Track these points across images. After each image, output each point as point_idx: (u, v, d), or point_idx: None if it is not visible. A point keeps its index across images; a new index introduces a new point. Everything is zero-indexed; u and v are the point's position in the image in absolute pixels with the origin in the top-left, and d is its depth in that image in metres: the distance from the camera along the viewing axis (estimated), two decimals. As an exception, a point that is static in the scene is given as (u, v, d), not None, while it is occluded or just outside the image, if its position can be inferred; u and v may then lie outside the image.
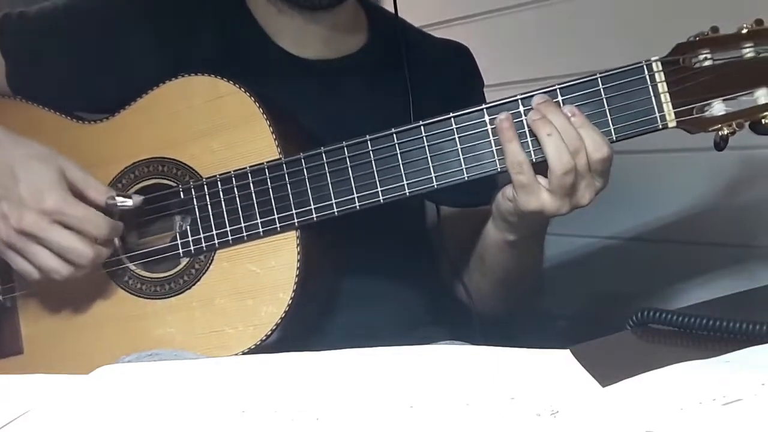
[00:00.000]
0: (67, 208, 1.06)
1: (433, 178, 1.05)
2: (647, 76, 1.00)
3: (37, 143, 1.10)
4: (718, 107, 0.99)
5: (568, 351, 0.80)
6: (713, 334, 0.84)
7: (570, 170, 0.99)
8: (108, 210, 1.10)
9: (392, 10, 1.31)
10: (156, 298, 1.14)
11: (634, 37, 1.57)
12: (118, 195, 1.10)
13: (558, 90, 1.02)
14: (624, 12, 1.61)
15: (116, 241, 1.13)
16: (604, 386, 0.71)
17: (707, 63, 0.99)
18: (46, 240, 1.06)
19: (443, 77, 1.34)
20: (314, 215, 1.08)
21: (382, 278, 1.26)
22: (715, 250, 1.53)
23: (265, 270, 1.10)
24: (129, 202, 1.11)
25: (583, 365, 0.76)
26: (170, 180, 1.15)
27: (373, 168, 1.06)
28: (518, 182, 1.02)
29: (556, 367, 0.77)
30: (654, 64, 1.00)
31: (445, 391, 0.73)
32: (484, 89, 1.42)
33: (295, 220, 1.08)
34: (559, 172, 0.99)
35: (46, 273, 1.08)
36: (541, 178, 1.02)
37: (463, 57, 1.42)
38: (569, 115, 1.00)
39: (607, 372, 0.73)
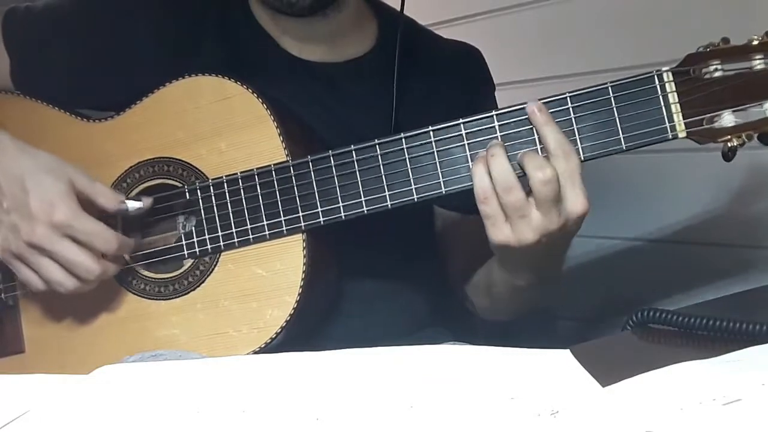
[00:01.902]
0: (77, 222, 1.06)
1: (442, 184, 1.04)
2: (658, 86, 0.99)
3: (45, 153, 1.10)
4: (727, 118, 0.98)
5: (568, 351, 0.80)
6: (713, 334, 0.84)
7: (513, 188, 0.97)
8: (118, 215, 1.10)
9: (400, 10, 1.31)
10: (160, 299, 1.14)
11: (635, 37, 1.57)
12: (128, 199, 1.11)
13: (569, 98, 1.01)
14: (624, 12, 1.61)
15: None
16: (604, 386, 0.71)
17: (717, 74, 0.98)
18: (54, 253, 1.07)
19: (452, 79, 1.33)
20: (321, 218, 1.08)
21: (387, 280, 1.26)
22: (715, 251, 1.52)
23: (271, 272, 1.10)
24: (140, 205, 1.11)
25: (583, 365, 0.76)
26: (176, 180, 1.14)
27: (381, 172, 1.06)
28: (483, 213, 1.00)
29: (556, 367, 0.77)
30: (665, 75, 0.99)
31: (445, 391, 0.74)
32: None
33: (302, 223, 1.08)
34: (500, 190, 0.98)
35: (52, 285, 1.09)
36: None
37: (473, 60, 1.41)
38: (536, 110, 1.00)
39: (607, 372, 0.73)
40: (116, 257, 1.10)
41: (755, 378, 0.67)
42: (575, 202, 0.98)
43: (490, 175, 0.98)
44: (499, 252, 1.06)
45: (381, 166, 1.05)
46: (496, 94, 1.40)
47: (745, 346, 0.78)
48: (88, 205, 1.08)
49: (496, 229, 1.00)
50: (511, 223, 0.98)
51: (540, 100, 1.02)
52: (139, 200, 1.11)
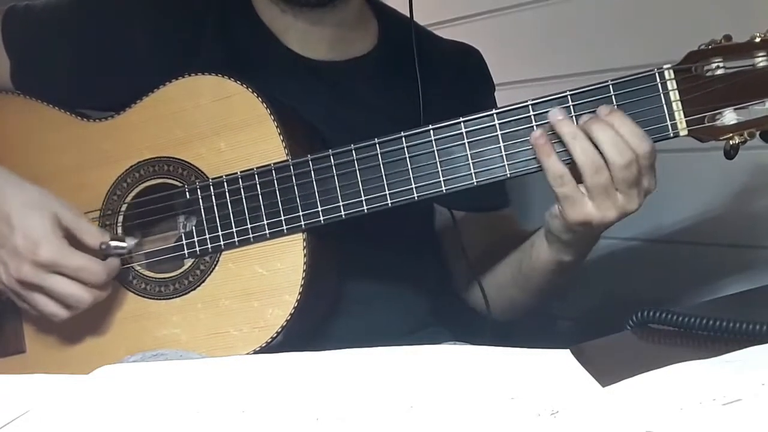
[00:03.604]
0: (63, 259, 1.06)
1: (442, 183, 1.04)
2: (659, 84, 0.99)
3: (32, 186, 1.10)
4: (729, 116, 0.98)
5: (568, 351, 0.80)
6: (713, 334, 0.84)
7: (600, 168, 0.97)
8: (102, 253, 1.10)
9: (401, 10, 1.31)
10: (160, 299, 1.14)
11: (635, 36, 1.57)
12: (111, 239, 1.10)
13: (569, 96, 1.01)
14: (624, 12, 1.61)
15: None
16: (604, 386, 0.71)
17: (719, 71, 0.98)
18: (44, 288, 1.07)
19: (452, 80, 1.34)
20: (321, 218, 1.08)
21: (387, 280, 1.26)
22: (715, 251, 1.52)
23: (271, 272, 1.10)
24: (123, 245, 1.11)
25: (583, 365, 0.76)
26: (176, 180, 1.14)
27: (381, 171, 1.06)
28: (561, 195, 1.00)
29: (556, 367, 0.77)
30: (666, 72, 0.99)
31: (445, 391, 0.74)
32: (489, 89, 1.41)
33: (302, 222, 1.08)
34: (589, 171, 0.97)
35: (46, 317, 1.10)
36: (583, 187, 0.99)
37: (473, 60, 1.41)
38: (606, 112, 0.98)
39: (607, 372, 0.73)
40: (106, 285, 1.11)
41: (755, 378, 0.67)
42: (651, 181, 1.00)
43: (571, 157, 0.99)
44: (568, 230, 1.06)
45: (381, 165, 1.05)
46: (496, 94, 1.40)
47: (745, 346, 0.78)
48: (73, 239, 1.09)
49: (577, 207, 1.00)
50: (596, 202, 0.99)
51: (540, 98, 1.02)
52: (123, 240, 1.12)
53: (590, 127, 0.98)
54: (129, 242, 1.12)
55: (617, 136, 0.97)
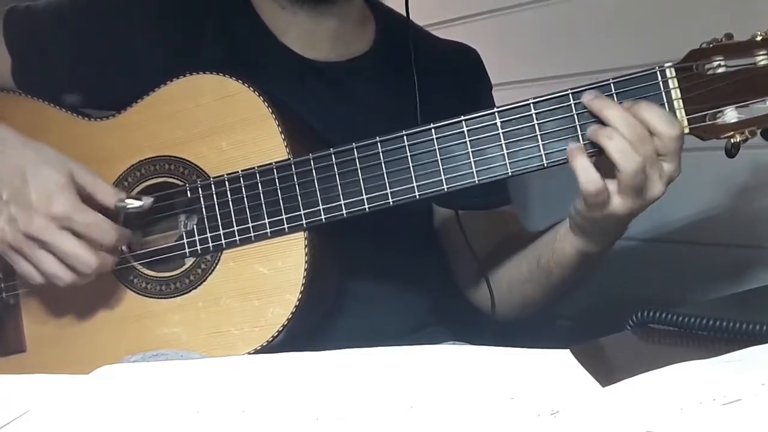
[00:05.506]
0: (76, 214, 1.05)
1: (444, 182, 1.04)
2: (660, 82, 0.99)
3: (47, 146, 1.09)
4: (730, 114, 0.98)
5: (568, 351, 0.80)
6: (713, 334, 0.84)
7: (640, 168, 0.95)
8: (117, 213, 1.10)
9: (398, 9, 1.30)
10: (161, 298, 1.14)
11: (635, 37, 1.58)
12: (127, 197, 1.10)
13: (571, 94, 1.01)
14: (624, 12, 1.61)
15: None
16: (604, 386, 0.71)
17: (721, 70, 0.98)
18: (52, 245, 1.06)
19: (450, 79, 1.34)
20: (323, 216, 1.07)
21: (388, 280, 1.26)
22: (715, 251, 1.52)
23: (273, 271, 1.09)
24: (139, 204, 1.11)
25: (583, 365, 0.76)
26: (177, 179, 1.14)
27: (382, 170, 1.05)
28: (593, 203, 0.99)
29: (556, 367, 0.77)
30: (668, 70, 0.99)
31: (445, 391, 0.74)
32: (488, 90, 1.41)
33: (304, 221, 1.08)
34: (629, 171, 0.95)
35: (49, 278, 1.08)
36: (608, 182, 0.98)
37: (470, 59, 1.41)
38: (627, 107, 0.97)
39: (607, 372, 0.73)
40: (114, 249, 1.10)
41: (755, 378, 0.68)
42: (675, 168, 0.98)
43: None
44: (593, 224, 1.05)
45: (383, 164, 1.05)
46: (496, 94, 1.40)
47: (745, 346, 0.78)
48: (87, 200, 1.08)
49: (605, 209, 0.99)
50: (627, 197, 0.98)
51: (542, 97, 1.02)
52: (139, 199, 1.11)
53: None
54: (145, 201, 1.11)
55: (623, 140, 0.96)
